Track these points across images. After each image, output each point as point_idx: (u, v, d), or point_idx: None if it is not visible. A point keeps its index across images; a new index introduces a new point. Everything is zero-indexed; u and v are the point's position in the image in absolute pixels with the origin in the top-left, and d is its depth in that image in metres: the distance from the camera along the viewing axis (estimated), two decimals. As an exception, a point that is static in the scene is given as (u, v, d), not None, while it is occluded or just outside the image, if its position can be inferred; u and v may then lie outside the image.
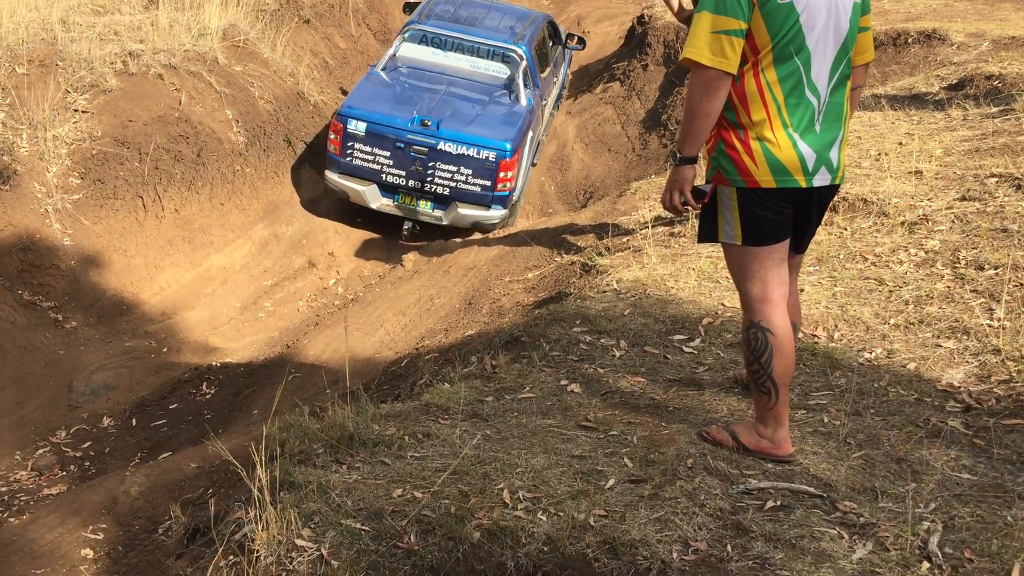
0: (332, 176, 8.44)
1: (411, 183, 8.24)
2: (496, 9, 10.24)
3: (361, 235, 8.78)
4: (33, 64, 7.99)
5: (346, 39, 12.66)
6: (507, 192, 8.24)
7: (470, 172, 8.11)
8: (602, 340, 3.99)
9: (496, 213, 8.28)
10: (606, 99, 11.48)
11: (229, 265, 7.91)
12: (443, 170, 8.14)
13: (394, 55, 9.26)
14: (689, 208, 2.89)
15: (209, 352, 6.88)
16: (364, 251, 8.53)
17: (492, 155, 8.06)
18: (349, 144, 8.24)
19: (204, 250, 7.85)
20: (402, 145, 8.13)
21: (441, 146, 8.08)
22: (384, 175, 8.26)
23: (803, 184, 2.77)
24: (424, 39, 9.33)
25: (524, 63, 9.09)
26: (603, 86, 11.94)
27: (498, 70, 9.18)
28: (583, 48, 11.46)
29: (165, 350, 6.78)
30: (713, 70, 2.68)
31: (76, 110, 7.85)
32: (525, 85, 8.96)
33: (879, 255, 4.58)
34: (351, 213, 9.08)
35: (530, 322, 4.26)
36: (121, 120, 7.84)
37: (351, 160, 8.28)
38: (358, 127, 8.19)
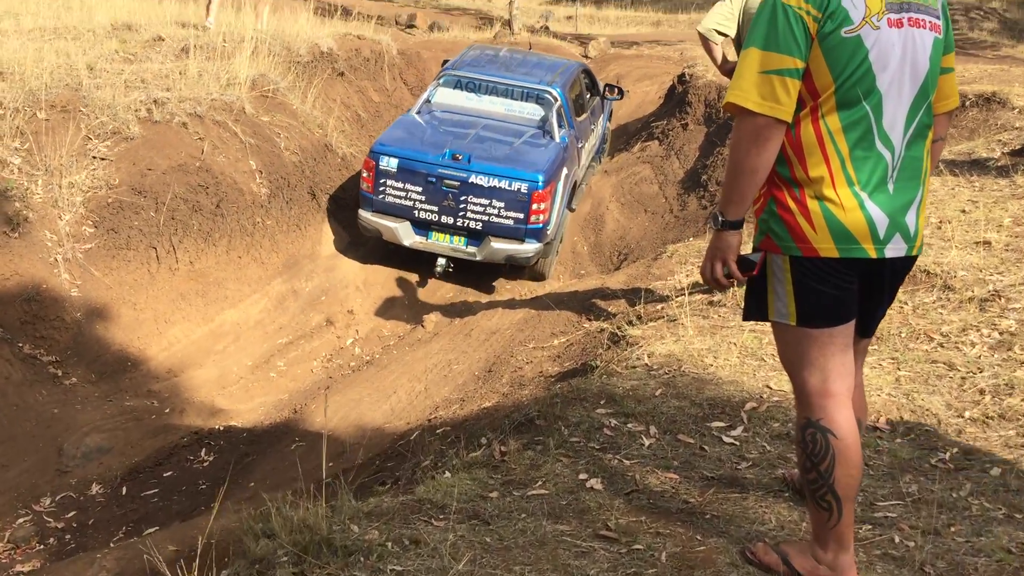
0: (365, 214, 8.32)
1: (444, 218, 8.09)
2: (530, 58, 10.44)
3: (383, 292, 8.36)
4: (55, 110, 7.75)
5: (380, 92, 12.43)
6: (540, 225, 8.03)
7: (502, 205, 7.94)
8: (629, 425, 3.47)
9: (530, 247, 8.05)
10: (644, 158, 11.06)
11: (243, 321, 7.50)
12: (475, 204, 7.99)
13: (428, 100, 9.28)
14: (734, 281, 2.39)
15: (213, 414, 6.44)
16: (385, 310, 8.10)
17: (524, 187, 7.90)
18: (381, 181, 8.16)
19: (218, 305, 7.46)
20: (434, 180, 8.03)
21: (473, 179, 7.95)
22: (417, 211, 8.13)
23: (872, 254, 2.26)
24: (459, 84, 9.36)
25: (558, 103, 9.01)
26: (641, 145, 11.53)
27: (532, 111, 9.11)
28: (621, 98, 11.24)
29: (167, 411, 6.35)
30: (763, 117, 2.21)
31: (95, 157, 7.56)
32: (559, 125, 8.88)
33: (947, 335, 4.03)
34: (374, 270, 8.68)
35: (547, 400, 3.75)
36: (140, 168, 7.53)
37: (383, 197, 8.19)
38: (390, 163, 8.13)
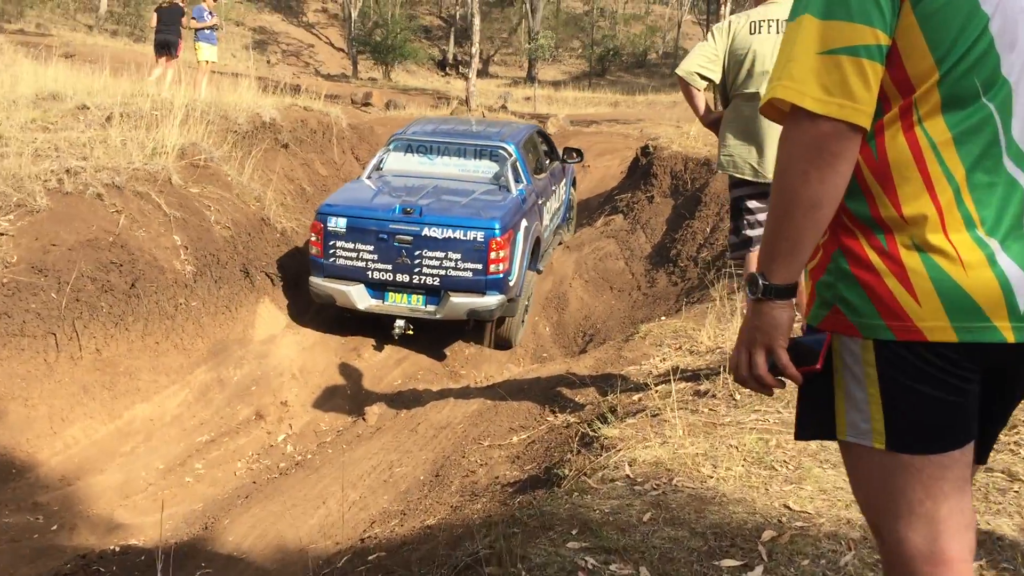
0: (316, 280, 7.88)
1: (399, 277, 7.67)
2: (482, 123, 10.48)
3: (322, 381, 7.42)
4: (-50, 180, 6.83)
5: (328, 166, 11.67)
6: (501, 275, 7.62)
7: (459, 256, 7.56)
8: (612, 567, 2.57)
9: (492, 299, 7.61)
10: (608, 233, 10.36)
11: (158, 416, 6.50)
12: (430, 258, 7.60)
13: (378, 166, 8.99)
14: (783, 381, 1.55)
15: (111, 531, 5.39)
16: (324, 401, 7.14)
17: (480, 235, 7.51)
18: (331, 243, 7.74)
19: (128, 398, 6.45)
20: (385, 236, 7.63)
21: (426, 232, 7.56)
22: (370, 272, 7.71)
23: (1009, 337, 1.42)
24: (409, 148, 9.15)
25: (512, 159, 8.77)
26: (605, 219, 10.85)
27: (486, 168, 8.86)
28: (581, 160, 10.77)
29: (54, 528, 5.29)
30: (828, 121, 1.40)
31: (-8, 232, 6.62)
32: (515, 179, 8.60)
33: None
34: (314, 355, 7.76)
35: (503, 530, 2.84)
36: (43, 244, 6.59)
37: (334, 260, 7.77)
38: (339, 224, 7.74)
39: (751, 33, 4.14)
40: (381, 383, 7.51)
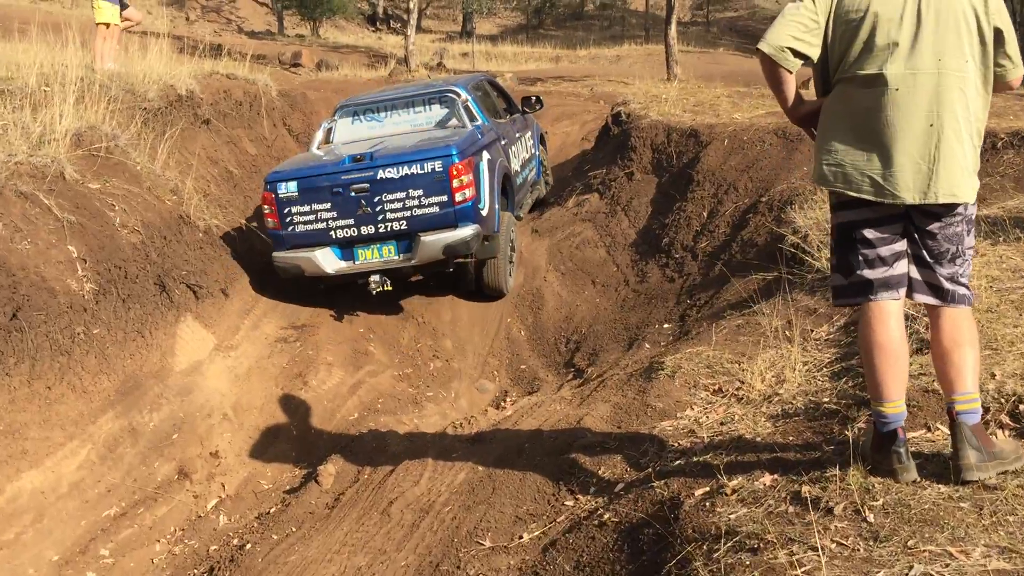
0: (279, 255, 7.45)
1: (363, 230, 7.27)
2: (428, 81, 10.49)
3: (262, 420, 6.06)
4: None
5: (258, 143, 10.14)
6: (470, 203, 7.25)
7: (421, 192, 7.16)
8: None
9: (466, 230, 7.21)
10: (583, 215, 9.10)
11: (51, 486, 5.06)
12: (392, 201, 7.19)
13: (328, 139, 8.56)
14: None
15: (-16, 668, 4.01)
16: (265, 447, 5.80)
17: (438, 164, 7.14)
18: (286, 211, 7.31)
19: (11, 465, 4.99)
20: (340, 190, 7.21)
21: (381, 175, 7.16)
22: (332, 232, 7.30)
23: None
24: (356, 113, 8.76)
25: (463, 98, 8.45)
26: (577, 199, 9.59)
27: (437, 113, 8.55)
28: (542, 108, 10.29)
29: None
30: None
31: None
32: (470, 118, 8.27)
33: None
34: (250, 384, 6.37)
35: None
36: None
37: (293, 229, 7.34)
38: (289, 187, 7.30)
39: (868, -11, 2.86)
40: (334, 419, 6.18)
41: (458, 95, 8.50)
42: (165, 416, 5.81)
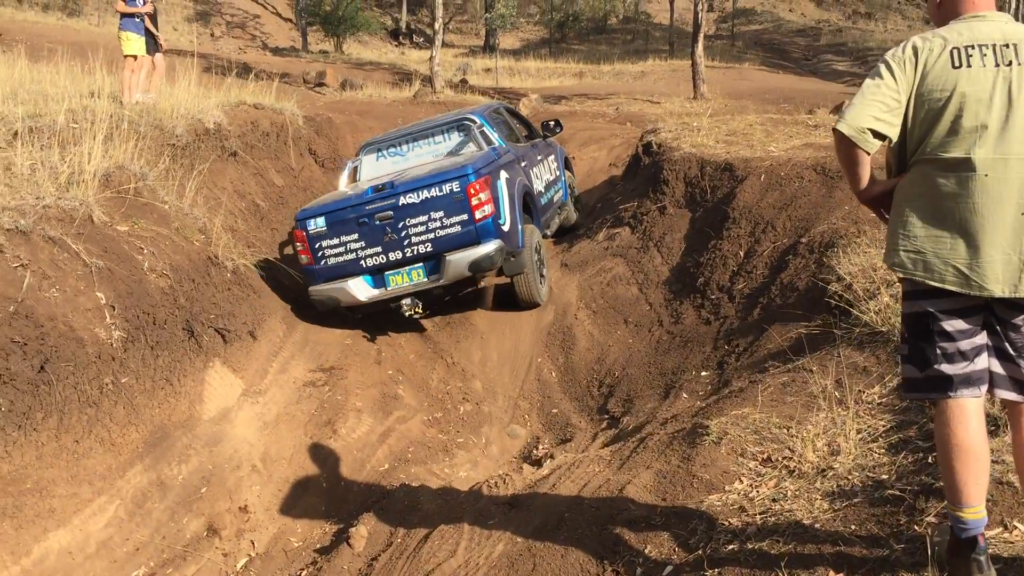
0: (315, 288, 7.76)
1: (391, 256, 7.58)
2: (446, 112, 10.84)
3: (291, 471, 5.94)
4: None
5: (284, 174, 10.06)
6: (490, 219, 7.50)
7: (442, 213, 7.46)
8: None
9: (490, 246, 7.48)
10: (614, 250, 8.93)
11: (79, 546, 4.96)
12: (415, 225, 7.50)
13: (354, 176, 8.96)
14: None
15: None
16: (295, 501, 5.67)
17: (455, 184, 7.42)
18: (317, 246, 7.66)
19: (38, 525, 4.90)
20: (365, 219, 7.55)
21: (403, 200, 7.49)
22: (362, 261, 7.62)
23: None
24: (380, 150, 9.12)
25: (478, 124, 8.81)
26: (607, 232, 9.42)
27: (455, 140, 8.90)
28: (561, 130, 10.47)
29: None
30: None
31: None
32: (486, 141, 8.64)
33: None
34: (279, 433, 6.25)
35: None
36: (-86, 322, 4.99)
37: (326, 262, 7.68)
38: (318, 223, 7.65)
39: (955, 66, 2.69)
40: (364, 469, 6.05)
41: (474, 122, 8.87)
42: (194, 468, 5.70)
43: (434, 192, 7.44)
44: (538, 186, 9.20)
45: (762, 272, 7.13)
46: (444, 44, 25.73)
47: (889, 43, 35.62)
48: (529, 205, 8.60)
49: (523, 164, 8.88)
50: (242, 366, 6.70)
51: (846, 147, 2.79)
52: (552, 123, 10.27)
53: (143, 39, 9.26)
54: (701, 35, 21.18)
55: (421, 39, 41.12)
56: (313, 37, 34.99)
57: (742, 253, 7.50)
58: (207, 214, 7.60)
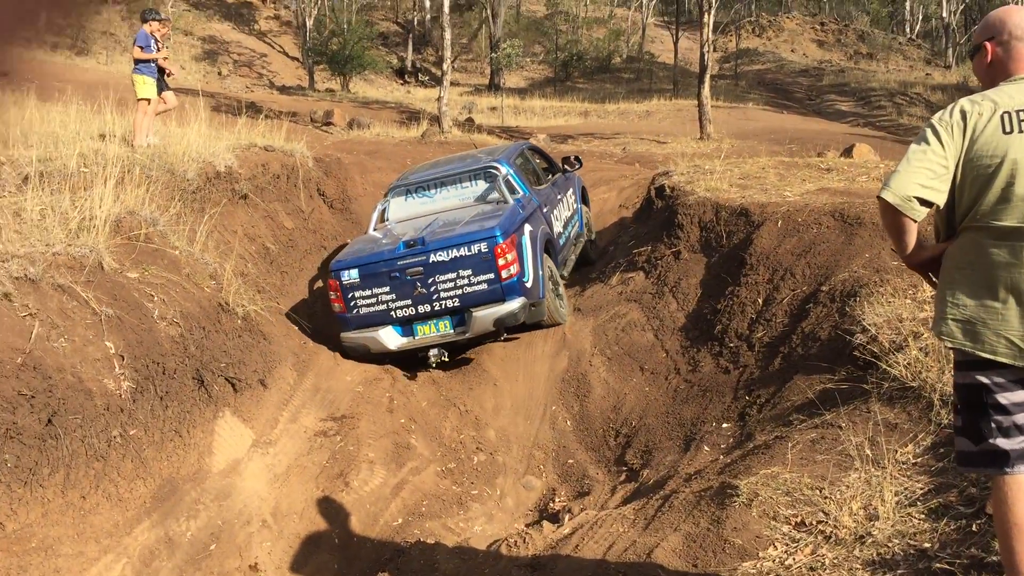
0: (347, 335, 8.10)
1: (420, 308, 7.94)
2: (473, 152, 10.95)
3: (302, 526, 5.77)
4: None
5: (294, 215, 9.99)
6: (515, 278, 7.86)
7: (470, 272, 7.81)
8: None
9: (514, 304, 7.83)
10: (628, 295, 8.82)
11: (85, 608, 4.79)
12: (444, 281, 7.86)
13: (383, 217, 9.29)
14: None
15: None
16: (306, 558, 5.49)
17: (483, 245, 7.78)
18: (350, 296, 8.01)
19: (43, 586, 4.74)
20: (397, 274, 7.91)
21: (433, 258, 7.84)
22: (393, 312, 7.98)
23: None
24: (408, 192, 9.46)
25: (503, 173, 9.10)
26: (621, 276, 9.32)
27: (482, 189, 9.20)
28: (580, 166, 10.96)
29: None
30: None
31: None
32: (510, 191, 8.95)
33: None
34: (289, 486, 6.10)
35: None
36: (-80, 374, 4.86)
37: (358, 311, 8.03)
38: (352, 275, 8.01)
39: (1005, 132, 2.58)
40: (377, 524, 5.89)
41: (499, 170, 9.14)
42: (203, 524, 5.54)
43: (463, 252, 7.78)
44: (557, 227, 9.54)
45: (782, 320, 7.01)
46: (450, 84, 25.89)
47: (891, 83, 35.85)
48: (549, 250, 8.89)
49: (545, 209, 9.21)
50: (252, 416, 6.57)
51: (892, 215, 2.68)
52: (573, 158, 10.80)
53: (154, 81, 9.23)
54: (708, 77, 21.27)
55: (426, 77, 41.40)
56: (320, 76, 35.22)
57: (760, 300, 7.38)
58: (218, 259, 7.51)
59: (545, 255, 8.60)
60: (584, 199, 11.49)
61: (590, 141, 22.20)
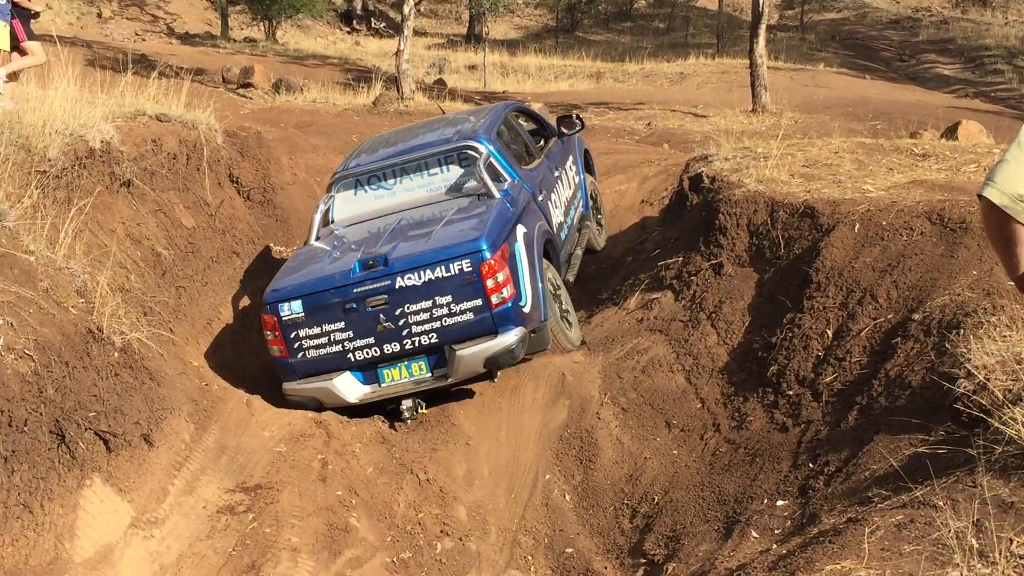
0: (291, 387, 8.24)
1: (387, 348, 8.07)
2: (440, 121, 11.04)
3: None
4: None
5: (196, 210, 10.02)
6: (509, 304, 7.99)
7: (450, 298, 7.94)
8: None
9: (510, 337, 7.97)
10: (651, 323, 8.92)
11: None
12: (417, 312, 7.97)
13: (327, 218, 9.46)
14: None
15: None
16: None
17: (466, 263, 7.90)
18: (293, 336, 8.11)
19: None
20: (354, 305, 8.02)
21: (400, 283, 7.95)
22: (350, 354, 8.10)
23: None
24: (359, 183, 9.62)
25: (485, 154, 9.22)
26: (641, 297, 9.46)
27: (456, 177, 9.36)
28: (583, 127, 11.41)
29: None
30: None
31: None
32: (495, 179, 9.08)
33: None
34: (177, 572, 6.07)
35: None
36: None
37: (304, 355, 8.15)
38: (293, 308, 8.08)
39: None
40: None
41: (478, 151, 9.25)
42: (59, 636, 5.50)
43: (439, 272, 7.88)
44: (557, 217, 9.87)
45: (859, 360, 7.06)
46: (415, 32, 25.96)
47: (1011, 40, 36.26)
48: (549, 251, 9.17)
49: (540, 197, 9.52)
50: (132, 484, 6.59)
51: (997, 220, 2.71)
52: (574, 117, 11.18)
53: (5, 27, 9.24)
54: (763, 28, 21.46)
55: (382, 24, 41.71)
56: (236, 20, 35.41)
57: (830, 332, 7.44)
58: (89, 268, 7.52)
59: (545, 261, 8.80)
60: (588, 166, 11.85)
61: (603, 113, 22.37)
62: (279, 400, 8.28)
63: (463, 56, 34.93)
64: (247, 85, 22.22)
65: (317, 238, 9.16)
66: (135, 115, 10.05)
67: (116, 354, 7.06)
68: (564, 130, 11.05)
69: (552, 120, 12.00)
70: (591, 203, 11.74)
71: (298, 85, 22.16)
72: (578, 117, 11.23)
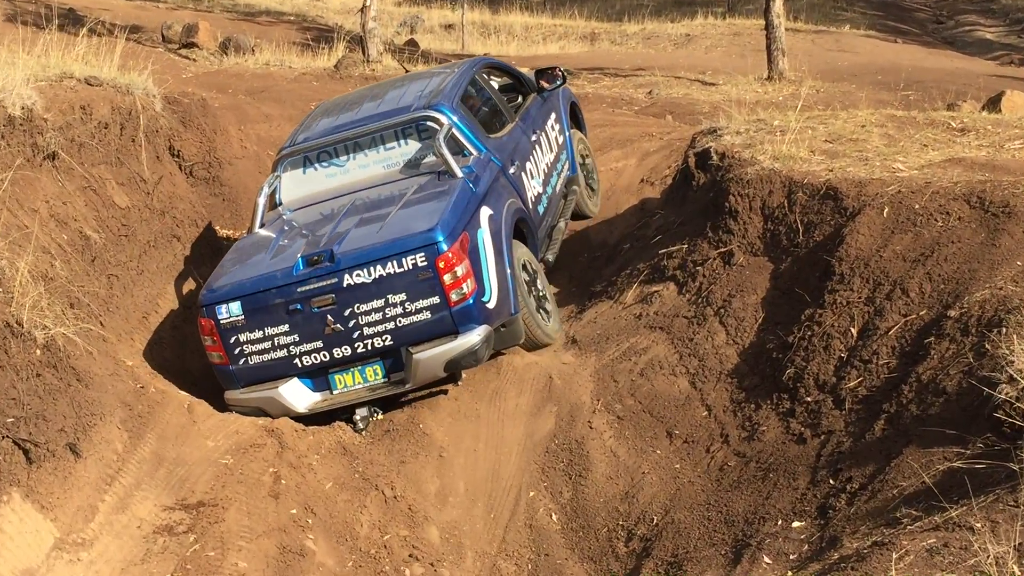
0: (233, 396, 8.43)
1: (336, 352, 8.24)
2: (399, 83, 11.20)
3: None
4: None
5: (131, 188, 10.04)
6: (470, 301, 8.15)
7: (404, 296, 8.08)
8: None
9: (473, 337, 8.13)
10: (650, 319, 9.02)
11: None
12: (367, 312, 8.12)
13: (273, 201, 9.63)
14: None
15: None
16: None
17: (420, 257, 8.05)
18: (233, 341, 8.29)
19: None
20: (298, 305, 8.18)
21: (348, 280, 8.10)
22: (297, 360, 8.27)
23: None
24: (307, 161, 9.76)
25: (447, 126, 9.31)
26: (639, 290, 9.53)
27: (414, 151, 9.51)
28: (565, 81, 11.55)
29: None
30: None
31: None
32: (459, 153, 9.23)
33: None
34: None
35: None
36: None
37: (245, 362, 8.33)
38: (232, 310, 8.26)
39: None
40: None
41: (439, 123, 9.37)
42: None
43: (391, 268, 8.04)
44: (534, 189, 10.08)
45: (887, 362, 7.13)
46: (383, -14, 25.98)
47: (1064, -1, 36.38)
48: (523, 230, 9.38)
49: (512, 169, 9.70)
50: (56, 501, 6.64)
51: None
52: (558, 69, 11.45)
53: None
54: (781, -17, 21.49)
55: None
56: (179, -30, 35.27)
57: (855, 331, 7.50)
58: (7, 253, 7.56)
59: (517, 243, 8.91)
60: (577, 121, 12.02)
61: (598, 80, 22.40)
62: (225, 405, 8.38)
63: (438, 13, 34.95)
64: (190, 45, 22.12)
65: (262, 225, 9.33)
66: (61, 78, 10.04)
67: (38, 352, 7.12)
68: (545, 84, 11.17)
69: (531, 75, 11.99)
70: (579, 163, 11.84)
71: (249, 45, 22.09)
72: (562, 71, 11.34)
